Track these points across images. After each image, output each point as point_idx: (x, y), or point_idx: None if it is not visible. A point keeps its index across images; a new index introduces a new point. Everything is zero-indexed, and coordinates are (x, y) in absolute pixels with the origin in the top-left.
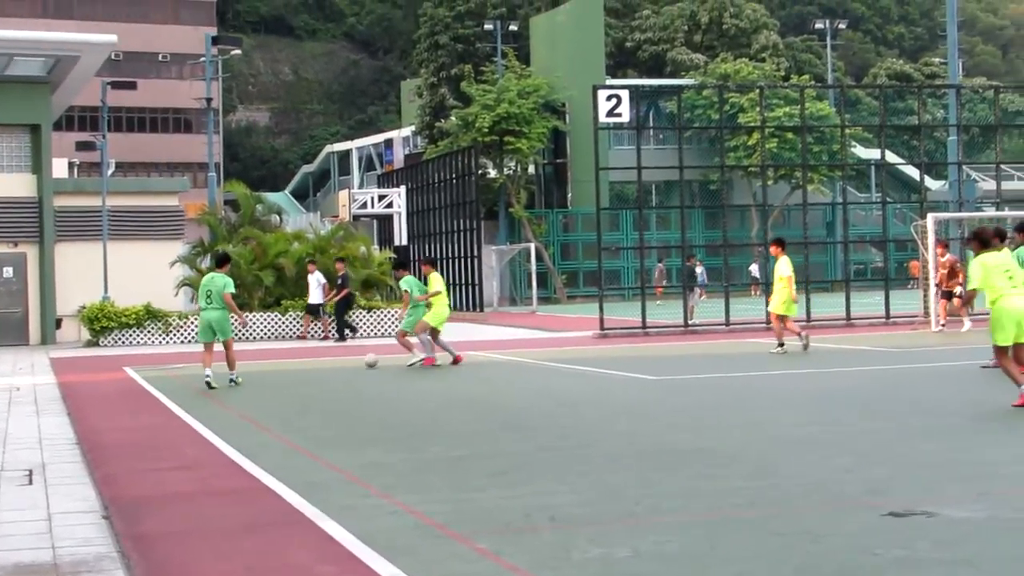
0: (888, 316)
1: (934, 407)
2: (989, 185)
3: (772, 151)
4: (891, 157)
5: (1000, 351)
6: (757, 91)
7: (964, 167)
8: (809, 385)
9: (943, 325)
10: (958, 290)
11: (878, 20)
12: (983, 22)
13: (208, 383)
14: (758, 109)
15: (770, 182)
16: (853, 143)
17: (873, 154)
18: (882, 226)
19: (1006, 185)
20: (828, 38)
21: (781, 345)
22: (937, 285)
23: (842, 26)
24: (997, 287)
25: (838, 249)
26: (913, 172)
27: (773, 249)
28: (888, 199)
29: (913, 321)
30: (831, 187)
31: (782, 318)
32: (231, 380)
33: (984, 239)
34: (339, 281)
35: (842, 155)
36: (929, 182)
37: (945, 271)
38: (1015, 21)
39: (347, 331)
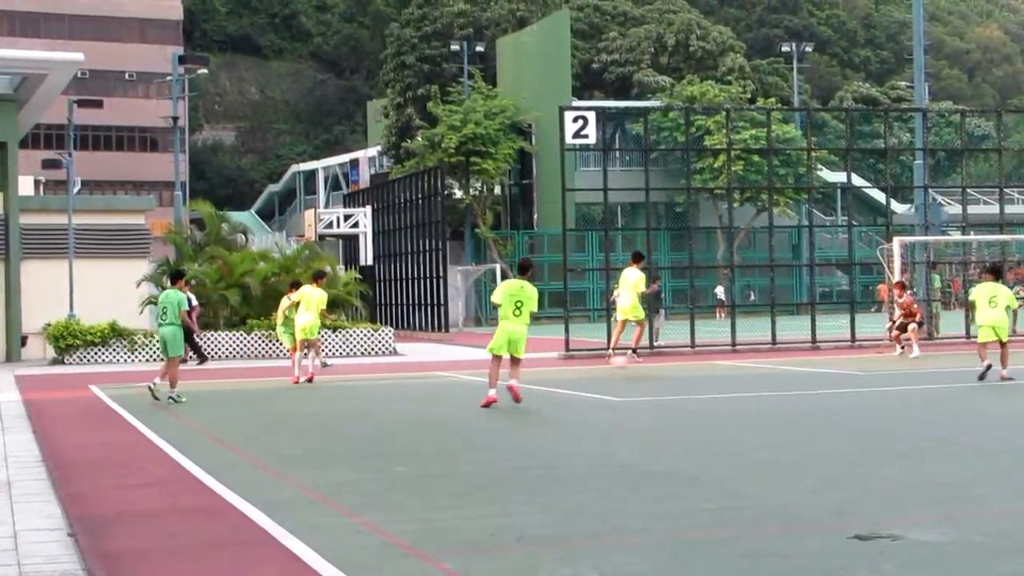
0: (854, 339)
1: (897, 429)
2: (955, 209)
3: (738, 173)
4: (857, 180)
5: (493, 358)
6: (723, 113)
7: (930, 191)
8: (773, 407)
9: (903, 349)
10: (912, 325)
11: (845, 43)
12: (949, 46)
13: (150, 389)
14: (724, 131)
15: (736, 204)
16: (819, 166)
17: (839, 177)
18: (848, 249)
19: (972, 209)
20: (795, 61)
21: (635, 351)
22: (892, 321)
23: (809, 49)
24: (505, 312)
25: (804, 272)
26: (879, 195)
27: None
28: (854, 222)
29: (879, 344)
30: (797, 210)
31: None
32: (171, 398)
33: (523, 267)
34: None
35: (808, 178)
36: (895, 205)
37: (901, 312)
38: (981, 45)
39: (189, 355)
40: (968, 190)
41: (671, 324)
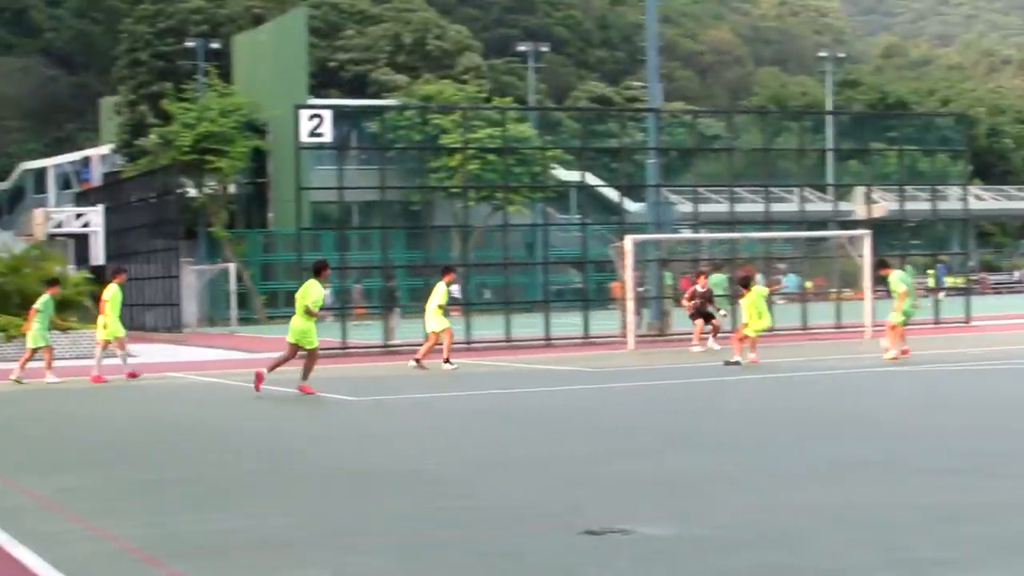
0: (587, 336)
1: (632, 427)
2: (687, 207)
3: (474, 172)
4: (592, 179)
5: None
6: (460, 112)
7: (662, 189)
8: (509, 405)
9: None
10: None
11: (580, 44)
12: (682, 47)
13: None
14: (460, 130)
15: (471, 203)
16: (554, 165)
17: (574, 176)
18: (582, 247)
19: (703, 207)
20: (531, 61)
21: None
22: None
23: (545, 49)
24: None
25: (538, 270)
26: (614, 194)
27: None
28: (588, 221)
29: (612, 341)
30: (532, 208)
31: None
32: None
33: (314, 268)
34: None
35: (543, 177)
36: (629, 204)
37: (690, 303)
38: (713, 47)
39: None
40: (699, 189)
41: (407, 323)
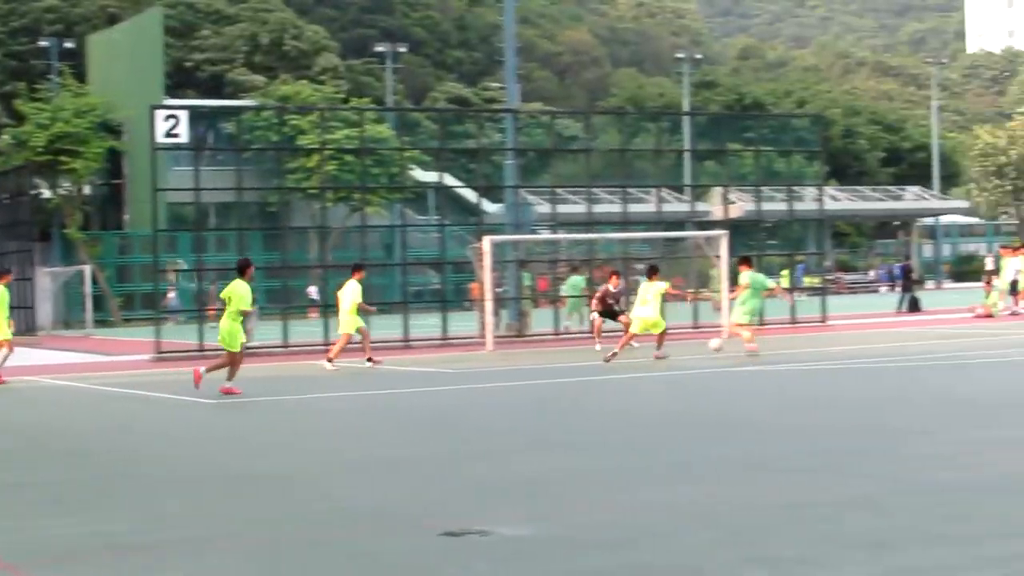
0: (446, 337)
1: (493, 428)
2: (545, 208)
3: (332, 173)
4: (450, 180)
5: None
6: (317, 113)
7: (520, 190)
8: (367, 407)
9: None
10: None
11: (438, 44)
12: (541, 48)
13: None
14: (318, 131)
15: (329, 204)
16: (412, 166)
17: (432, 177)
18: (440, 248)
19: (561, 208)
20: (388, 61)
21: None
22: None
23: (402, 50)
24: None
25: (397, 271)
26: (471, 195)
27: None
28: (446, 222)
29: (470, 342)
30: (390, 209)
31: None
32: None
33: (238, 267)
34: None
35: (401, 178)
36: (487, 205)
37: (598, 303)
38: (571, 48)
39: None
40: (557, 190)
41: (264, 324)
